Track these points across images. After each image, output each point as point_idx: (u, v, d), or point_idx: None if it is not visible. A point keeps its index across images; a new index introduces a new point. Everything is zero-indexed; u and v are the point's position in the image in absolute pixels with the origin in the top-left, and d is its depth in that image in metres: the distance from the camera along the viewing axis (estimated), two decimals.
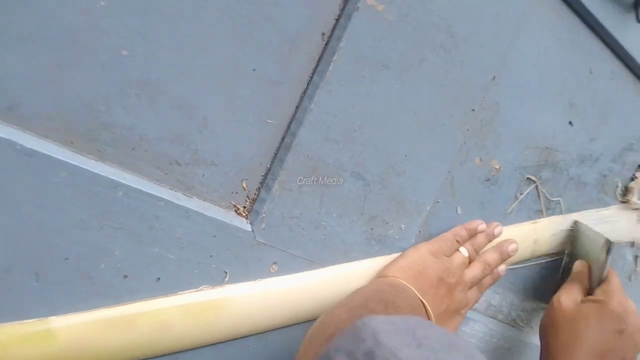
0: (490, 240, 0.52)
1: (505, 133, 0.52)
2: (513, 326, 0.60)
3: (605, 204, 0.65)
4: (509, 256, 0.52)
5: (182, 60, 0.35)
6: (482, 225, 0.51)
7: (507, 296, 0.59)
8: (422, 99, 0.45)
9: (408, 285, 0.43)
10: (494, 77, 0.49)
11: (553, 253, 0.60)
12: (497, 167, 0.52)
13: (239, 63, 0.37)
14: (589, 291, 0.55)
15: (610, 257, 0.53)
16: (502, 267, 0.53)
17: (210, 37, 0.36)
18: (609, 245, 0.54)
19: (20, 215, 0.31)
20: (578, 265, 0.58)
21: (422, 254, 0.47)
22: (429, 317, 0.43)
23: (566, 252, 0.61)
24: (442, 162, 0.48)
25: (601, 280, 0.54)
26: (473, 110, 0.48)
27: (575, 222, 0.60)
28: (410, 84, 0.44)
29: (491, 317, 0.58)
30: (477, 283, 0.50)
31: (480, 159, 0.51)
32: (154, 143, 0.36)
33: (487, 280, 0.52)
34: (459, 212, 0.52)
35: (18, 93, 0.31)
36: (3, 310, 0.32)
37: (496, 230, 0.52)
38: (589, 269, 0.57)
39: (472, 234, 0.51)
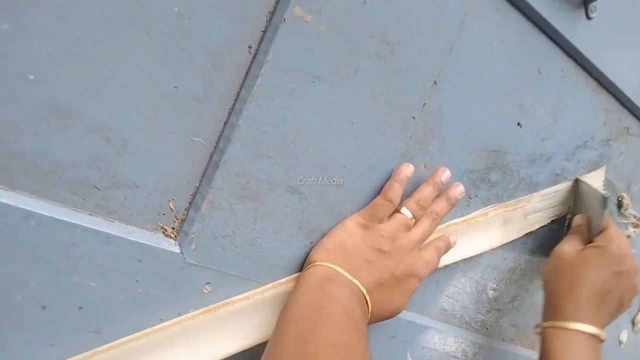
0: (438, 190, 0.49)
1: (450, 138, 0.51)
2: (467, 329, 0.60)
3: None
4: (457, 201, 0.50)
5: (95, 81, 0.34)
6: (409, 168, 0.46)
7: (459, 299, 0.58)
8: (358, 109, 0.44)
9: (336, 268, 0.42)
10: (435, 83, 0.48)
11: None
12: (449, 173, 0.52)
13: (158, 81, 0.36)
14: (589, 241, 0.58)
15: (607, 210, 0.58)
16: (452, 238, 0.51)
17: (124, 55, 0.34)
18: (604, 200, 0.58)
19: None
20: (577, 219, 0.61)
21: (349, 229, 0.45)
22: (364, 296, 0.43)
23: (569, 208, 0.64)
24: (383, 171, 0.47)
25: (600, 232, 0.58)
26: (414, 117, 0.47)
27: (576, 180, 0.63)
28: (345, 94, 0.43)
29: (444, 322, 0.57)
30: (428, 236, 0.48)
31: (425, 165, 0.51)
32: (68, 168, 0.34)
33: (441, 242, 0.50)
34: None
35: None
36: None
37: (444, 177, 0.49)
38: (588, 221, 0.59)
39: (405, 183, 0.46)
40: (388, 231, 0.45)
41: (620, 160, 0.68)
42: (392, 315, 0.47)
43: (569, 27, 0.56)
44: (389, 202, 0.46)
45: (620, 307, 0.56)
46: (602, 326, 0.54)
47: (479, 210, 0.56)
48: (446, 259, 0.53)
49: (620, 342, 0.79)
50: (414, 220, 0.47)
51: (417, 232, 0.47)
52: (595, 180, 0.66)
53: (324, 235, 0.45)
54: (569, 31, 0.56)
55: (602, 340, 0.54)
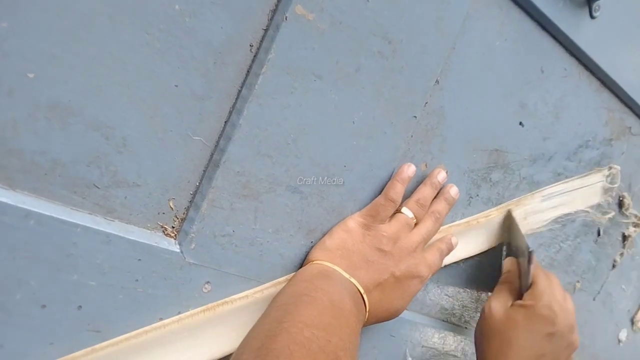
0: (436, 190, 0.49)
1: (451, 137, 0.51)
2: (466, 328, 0.60)
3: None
4: (454, 201, 0.50)
5: (95, 79, 0.34)
6: (411, 168, 0.46)
7: (459, 298, 0.58)
8: (359, 108, 0.44)
9: (334, 267, 0.42)
10: (437, 82, 0.48)
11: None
12: (445, 171, 0.52)
13: (159, 79, 0.36)
14: (521, 292, 0.53)
15: (532, 266, 0.52)
16: (454, 240, 0.51)
17: (125, 53, 0.34)
18: (530, 255, 0.51)
19: None
20: (507, 264, 0.56)
21: (350, 228, 0.45)
22: (360, 295, 0.42)
23: (504, 242, 0.59)
24: (384, 171, 0.47)
25: (529, 286, 0.52)
26: (415, 116, 0.47)
27: (508, 212, 0.57)
28: (346, 93, 0.43)
29: (444, 321, 0.57)
30: (432, 236, 0.48)
31: (426, 165, 0.50)
32: (68, 167, 0.34)
33: (443, 244, 0.50)
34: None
35: None
36: None
37: (440, 177, 0.49)
38: (519, 266, 0.55)
39: (406, 183, 0.47)
40: (390, 231, 0.45)
41: (622, 160, 0.68)
42: (392, 316, 0.47)
43: (573, 26, 0.56)
44: (390, 201, 0.45)
45: None
46: None
47: (481, 212, 0.56)
48: (447, 259, 0.53)
49: (619, 341, 0.79)
50: (415, 220, 0.47)
51: (419, 232, 0.47)
52: (594, 180, 0.65)
53: (324, 234, 0.45)
54: (573, 30, 0.56)
55: None
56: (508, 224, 0.57)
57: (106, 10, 0.33)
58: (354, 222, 0.45)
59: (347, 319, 0.39)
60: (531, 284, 0.52)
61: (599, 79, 0.61)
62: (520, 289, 0.53)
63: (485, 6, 0.49)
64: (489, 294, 0.59)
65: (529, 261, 0.51)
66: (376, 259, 0.44)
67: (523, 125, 0.56)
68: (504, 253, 0.59)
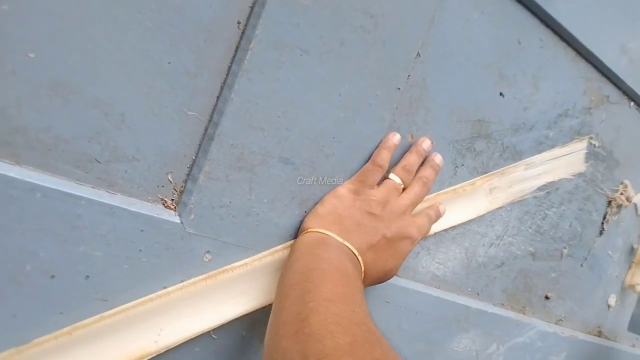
0: (422, 158, 0.51)
1: (435, 108, 0.53)
2: (458, 294, 0.62)
3: None
4: (439, 168, 0.52)
5: (93, 58, 0.36)
6: (396, 136, 0.48)
7: (450, 265, 0.61)
8: (345, 81, 0.46)
9: (328, 233, 0.44)
10: (418, 54, 0.50)
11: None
12: (430, 141, 0.54)
13: (153, 57, 0.38)
14: None
15: None
16: (442, 207, 0.53)
17: (119, 33, 0.36)
18: None
19: None
20: None
21: (340, 195, 0.47)
22: (355, 257, 0.44)
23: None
24: (372, 141, 0.49)
25: None
26: (399, 88, 0.49)
27: None
28: (331, 66, 0.45)
29: (436, 288, 0.60)
30: (420, 201, 0.50)
31: (412, 136, 0.52)
32: (71, 143, 0.36)
33: (431, 211, 0.52)
34: None
35: None
36: None
37: (425, 145, 0.51)
38: None
39: (392, 150, 0.48)
40: (379, 196, 0.47)
41: (602, 128, 0.71)
42: (387, 276, 0.49)
43: None
44: (378, 167, 0.48)
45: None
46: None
47: (467, 181, 0.58)
48: (436, 227, 0.55)
49: (609, 307, 0.82)
50: (402, 185, 0.49)
51: (407, 196, 0.49)
52: (576, 149, 0.68)
53: (316, 204, 0.47)
54: (546, 2, 0.58)
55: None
56: None
57: None
58: (344, 188, 0.47)
59: (355, 284, 0.41)
60: None
61: (574, 49, 0.64)
62: None
63: None
64: (480, 259, 0.61)
65: None
66: (367, 222, 0.46)
67: (503, 96, 0.59)
68: None
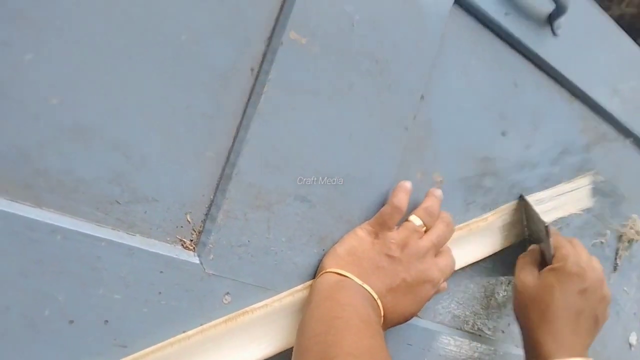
0: (440, 203, 0.51)
1: (442, 147, 0.55)
2: (480, 335, 0.60)
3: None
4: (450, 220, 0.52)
5: (114, 103, 0.37)
6: (408, 182, 0.48)
7: (469, 305, 0.59)
8: (355, 122, 0.47)
9: (347, 274, 0.43)
10: (422, 97, 0.52)
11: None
12: (440, 179, 0.55)
13: (172, 101, 0.39)
14: (545, 264, 0.56)
15: (552, 239, 0.55)
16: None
17: (139, 79, 0.38)
18: (547, 230, 0.55)
19: None
20: (530, 247, 0.60)
21: (359, 236, 0.46)
22: (374, 300, 0.43)
23: (525, 234, 0.62)
24: (384, 179, 0.50)
25: (553, 255, 0.55)
26: (406, 128, 0.51)
27: (521, 197, 0.61)
28: (342, 108, 0.46)
29: (457, 329, 0.58)
30: (444, 242, 0.49)
31: (422, 173, 0.53)
32: (91, 185, 0.36)
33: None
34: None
35: None
36: None
37: (437, 193, 0.51)
38: (540, 246, 0.58)
39: (409, 193, 0.48)
40: (397, 238, 0.47)
41: (603, 164, 0.72)
42: (406, 320, 0.47)
43: (538, 44, 0.61)
44: (396, 209, 0.47)
45: (596, 323, 0.55)
46: (585, 349, 0.52)
47: (480, 217, 0.58)
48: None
49: (630, 345, 0.79)
50: (424, 227, 0.49)
51: (429, 238, 0.48)
52: (582, 184, 0.69)
53: (334, 242, 0.47)
54: (539, 47, 0.61)
55: None
56: (523, 209, 0.61)
57: (121, 41, 0.37)
58: (362, 230, 0.47)
59: (378, 333, 0.40)
60: (555, 251, 0.55)
61: (568, 90, 0.66)
62: (545, 262, 0.56)
63: (457, 29, 0.55)
64: (500, 297, 0.60)
65: (547, 234, 0.55)
66: (386, 265, 0.46)
67: (505, 135, 0.60)
68: (526, 236, 0.62)
